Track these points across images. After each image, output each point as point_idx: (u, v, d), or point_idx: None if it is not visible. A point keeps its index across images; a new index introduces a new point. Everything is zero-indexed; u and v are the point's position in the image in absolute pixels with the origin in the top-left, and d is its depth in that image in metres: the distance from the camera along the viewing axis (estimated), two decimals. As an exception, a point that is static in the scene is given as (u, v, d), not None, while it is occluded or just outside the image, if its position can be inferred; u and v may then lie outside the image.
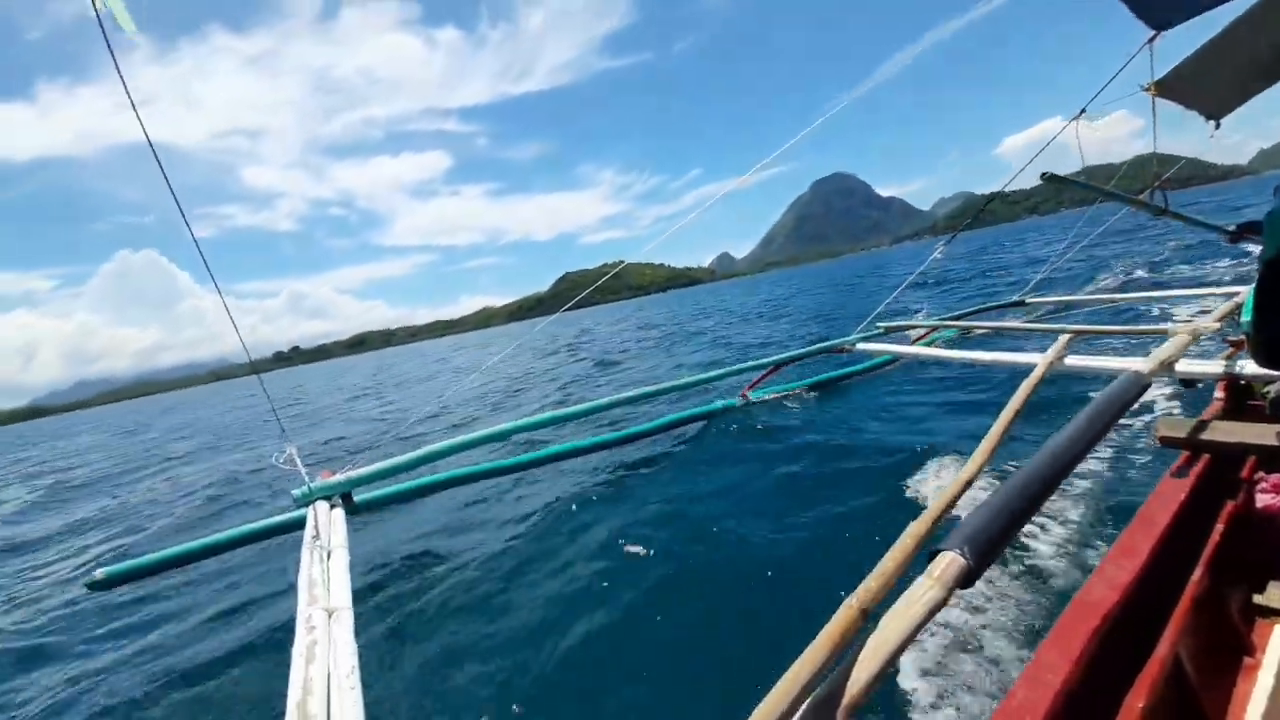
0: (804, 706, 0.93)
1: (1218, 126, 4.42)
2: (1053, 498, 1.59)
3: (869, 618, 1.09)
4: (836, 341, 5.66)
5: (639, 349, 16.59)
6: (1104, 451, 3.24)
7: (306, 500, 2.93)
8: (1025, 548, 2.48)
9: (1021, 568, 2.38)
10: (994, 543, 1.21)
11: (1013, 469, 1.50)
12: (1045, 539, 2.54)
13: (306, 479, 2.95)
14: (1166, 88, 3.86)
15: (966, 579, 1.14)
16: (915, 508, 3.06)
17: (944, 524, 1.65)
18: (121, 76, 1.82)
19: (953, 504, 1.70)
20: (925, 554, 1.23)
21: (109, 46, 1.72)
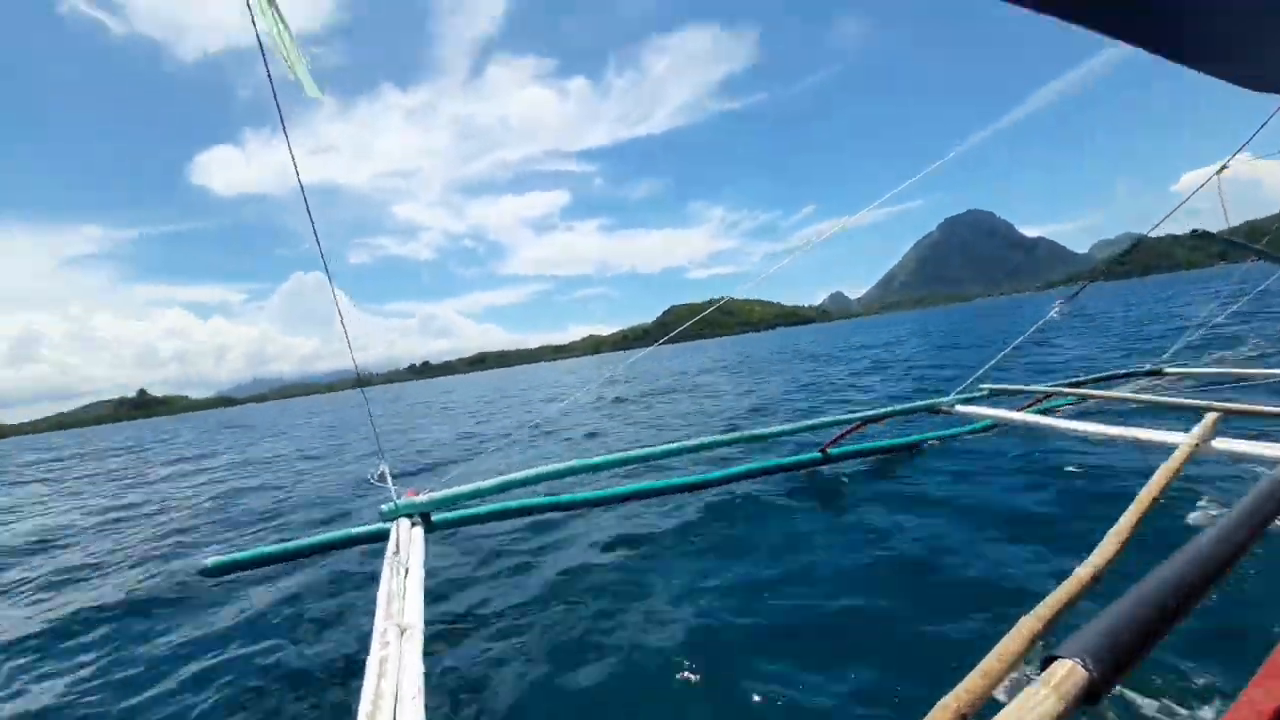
0: None
1: None
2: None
3: None
4: (933, 401, 5.26)
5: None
6: (1258, 549, 2.70)
7: (392, 516, 3.13)
8: (1155, 663, 2.09)
9: (1150, 685, 2.00)
10: (1127, 655, 1.05)
11: (1149, 568, 1.30)
12: (1179, 652, 2.12)
13: (395, 496, 3.16)
14: None
15: (1090, 695, 0.99)
16: (1023, 599, 2.69)
17: (1061, 624, 1.45)
18: (286, 135, 2.16)
19: (1073, 603, 1.50)
20: (1041, 659, 1.09)
21: (279, 112, 2.05)
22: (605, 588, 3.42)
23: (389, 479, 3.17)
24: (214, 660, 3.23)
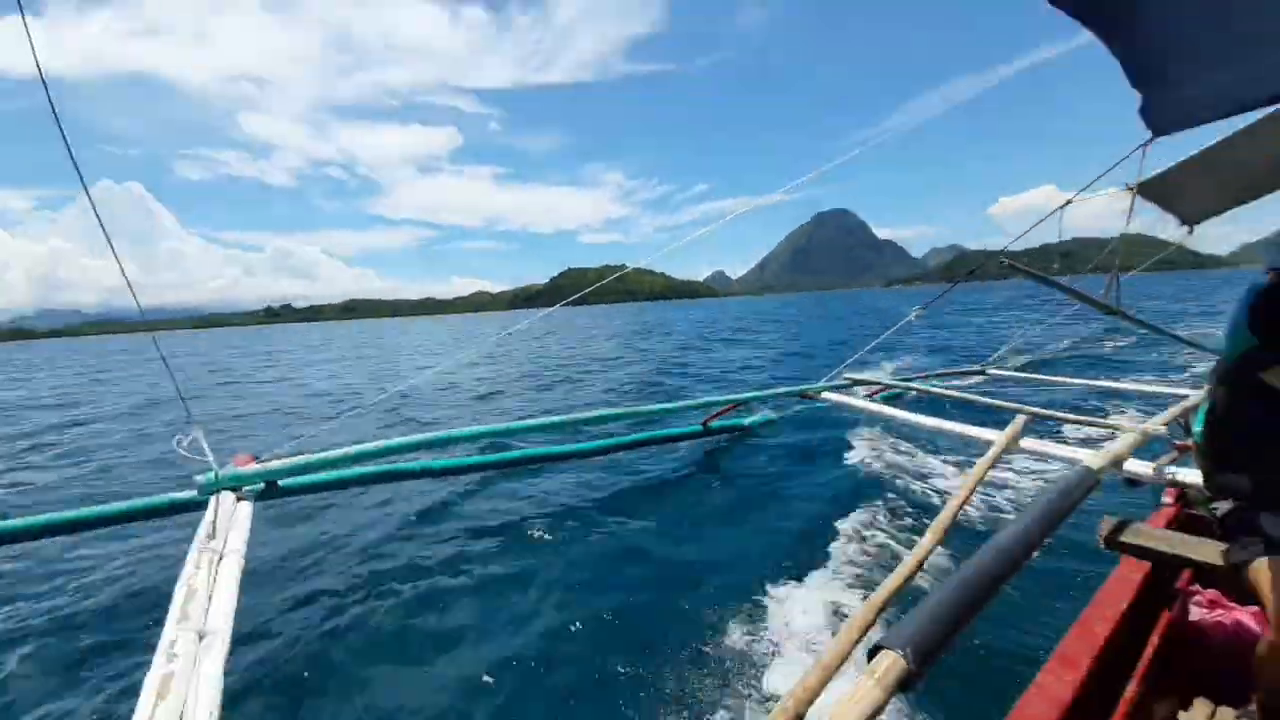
0: None
1: (1190, 232, 4.64)
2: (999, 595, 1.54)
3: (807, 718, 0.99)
4: (802, 387, 5.66)
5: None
6: (1048, 542, 3.23)
7: (211, 489, 2.62)
8: (968, 649, 2.40)
9: (963, 671, 2.29)
10: (937, 644, 1.14)
11: (962, 559, 1.44)
12: (984, 639, 2.46)
13: (214, 464, 2.64)
14: (1149, 190, 4.03)
15: (907, 682, 1.06)
16: (861, 584, 2.95)
17: (887, 615, 1.56)
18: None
19: (898, 591, 1.62)
20: (867, 650, 1.15)
21: None
22: (463, 574, 3.26)
23: (204, 445, 2.62)
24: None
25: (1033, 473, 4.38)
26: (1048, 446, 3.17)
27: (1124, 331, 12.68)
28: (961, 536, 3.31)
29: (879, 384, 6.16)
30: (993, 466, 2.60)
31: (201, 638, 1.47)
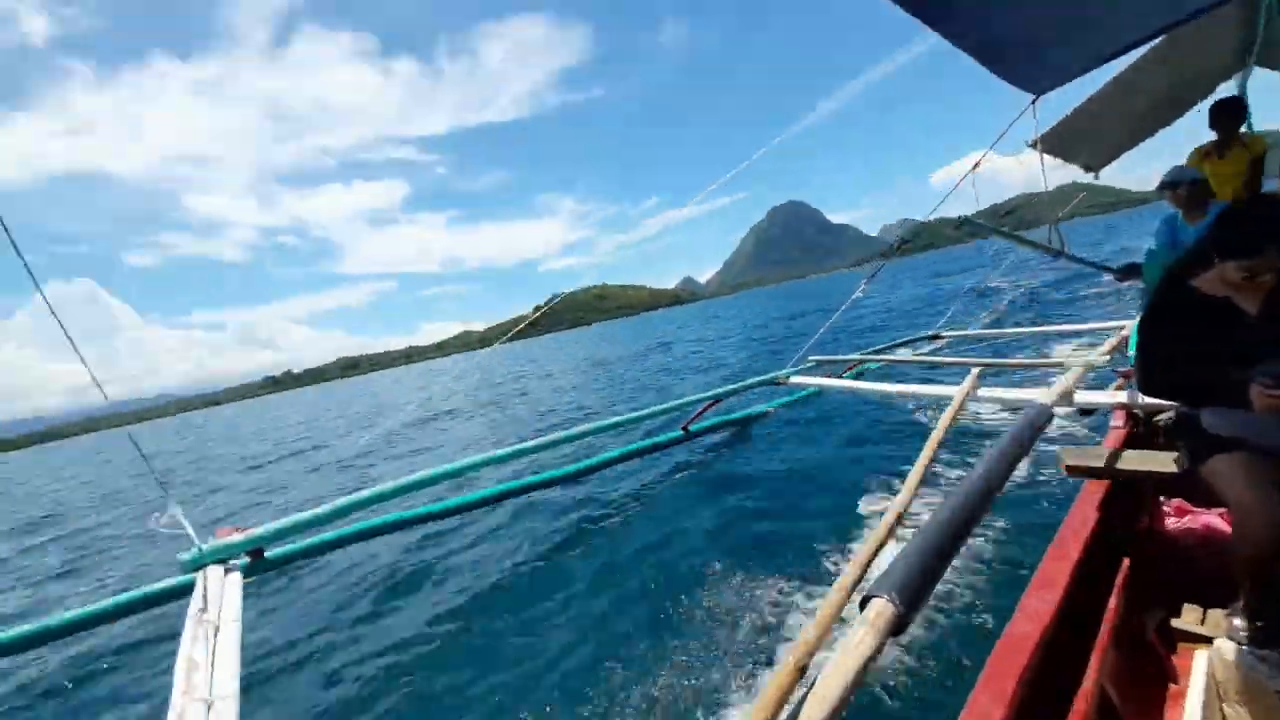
0: None
1: (1096, 177, 5.00)
2: (975, 533, 1.64)
3: (806, 673, 1.04)
4: (771, 375, 5.81)
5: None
6: (1015, 480, 3.44)
7: (196, 565, 2.56)
8: (955, 586, 2.53)
9: (952, 606, 2.42)
10: (922, 586, 1.20)
11: (937, 504, 1.53)
12: (972, 576, 2.61)
13: (195, 540, 2.59)
14: (1047, 143, 4.33)
15: (898, 625, 1.12)
16: (850, 543, 3.10)
17: (877, 566, 1.65)
18: None
19: (883, 544, 1.70)
20: (860, 600, 1.22)
21: None
22: (459, 615, 3.25)
23: (183, 521, 2.56)
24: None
25: (998, 420, 4.62)
26: (1003, 392, 3.37)
27: (1076, 281, 13.23)
28: (937, 485, 3.48)
29: (843, 360, 6.37)
30: (955, 418, 2.76)
31: (209, 707, 1.45)
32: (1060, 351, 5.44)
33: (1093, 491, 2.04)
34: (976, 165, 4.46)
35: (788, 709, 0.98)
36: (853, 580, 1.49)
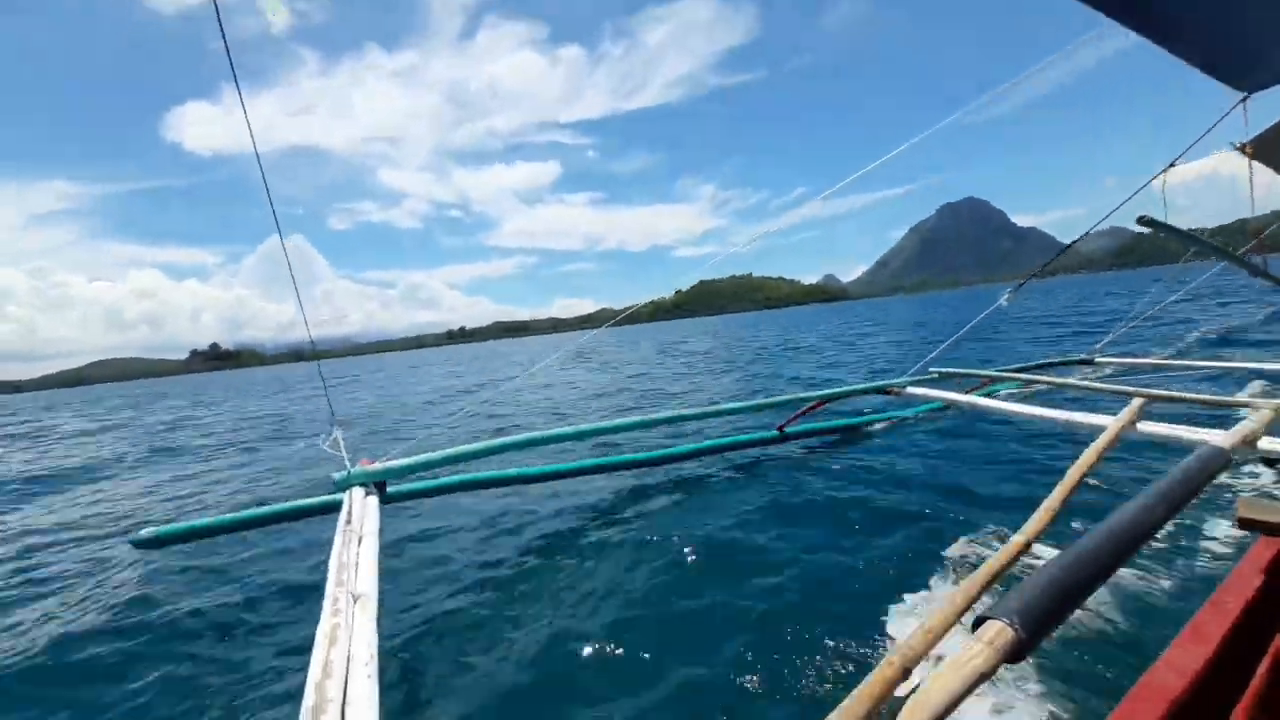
0: None
1: None
2: (1120, 571, 1.47)
3: (910, 676, 1.03)
4: (885, 382, 5.46)
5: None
6: (1178, 524, 2.98)
7: (345, 485, 3.03)
8: (1085, 622, 2.29)
9: (1080, 644, 2.18)
10: (1049, 616, 1.13)
11: (1075, 539, 1.40)
12: (1108, 615, 2.33)
13: (348, 464, 3.05)
14: (1261, 150, 3.59)
15: (1016, 652, 1.07)
16: (963, 568, 2.87)
17: (995, 589, 1.54)
18: (239, 88, 1.97)
19: (1007, 568, 1.59)
20: (973, 619, 1.16)
21: (230, 66, 1.86)
22: (556, 566, 3.43)
23: (342, 446, 3.04)
24: (146, 634, 3.11)
25: (1158, 460, 3.98)
26: (1171, 429, 2.91)
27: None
28: (1074, 519, 3.09)
29: (973, 374, 5.79)
30: (1106, 451, 2.44)
31: (355, 599, 1.72)
32: (1249, 391, 4.54)
33: (1266, 550, 1.79)
34: (1172, 164, 3.81)
35: (887, 706, 0.98)
36: (966, 600, 1.41)
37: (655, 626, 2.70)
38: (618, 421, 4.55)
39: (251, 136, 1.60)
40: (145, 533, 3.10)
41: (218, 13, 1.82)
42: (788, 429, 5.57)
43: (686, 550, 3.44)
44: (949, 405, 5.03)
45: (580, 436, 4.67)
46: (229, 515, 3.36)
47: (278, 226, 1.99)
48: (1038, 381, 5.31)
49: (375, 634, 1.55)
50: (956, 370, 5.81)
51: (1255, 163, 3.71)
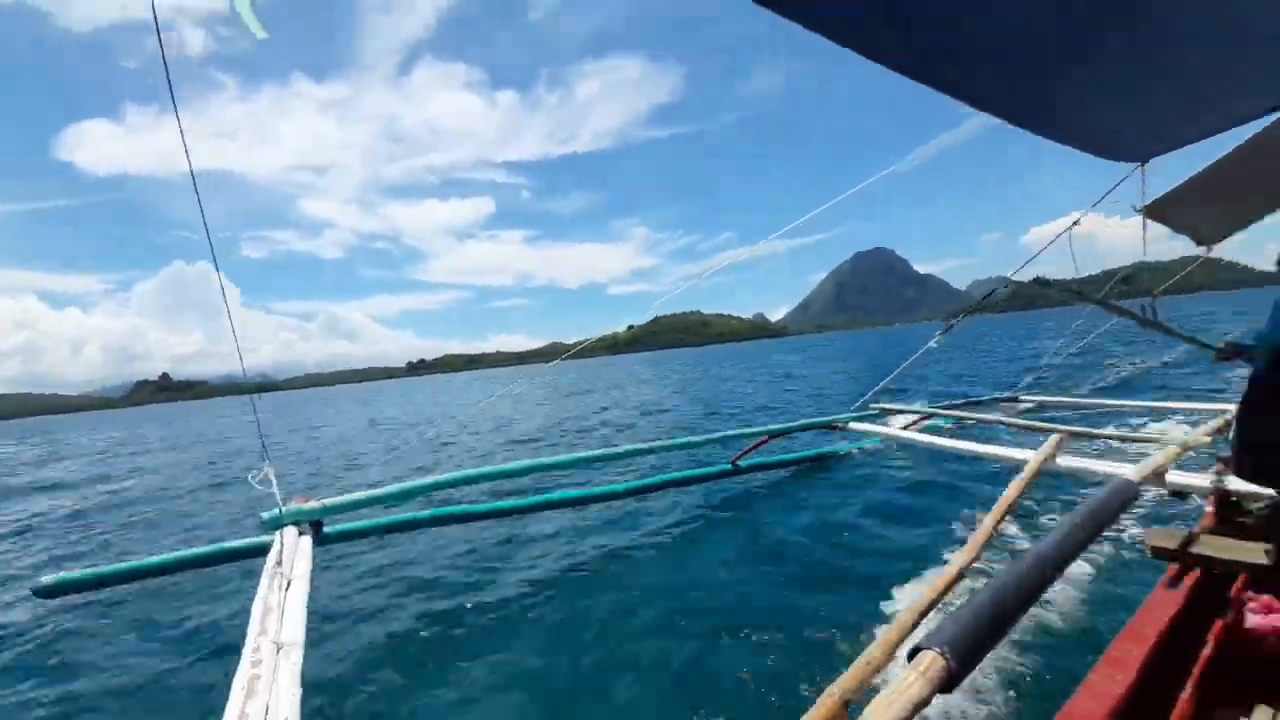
0: None
1: (1209, 251, 4.57)
2: (1041, 601, 1.55)
3: (850, 709, 1.04)
4: (829, 418, 5.65)
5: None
6: (1094, 556, 3.18)
7: (276, 524, 2.82)
8: (1011, 652, 2.38)
9: (1007, 673, 2.27)
10: (978, 646, 1.17)
11: (1001, 568, 1.47)
12: (1032, 644, 2.44)
13: (280, 502, 2.84)
14: (1155, 213, 4.01)
15: (949, 682, 1.10)
16: (905, 597, 2.96)
17: (930, 620, 1.59)
18: (176, 108, 1.89)
19: (942, 596, 1.65)
20: (908, 650, 1.19)
21: (169, 84, 1.80)
22: (500, 615, 3.32)
23: (274, 483, 2.84)
24: (40, 691, 2.75)
25: (1075, 492, 4.27)
26: (1087, 463, 3.13)
27: (1180, 357, 12.00)
28: (1000, 551, 3.26)
29: (910, 411, 6.09)
30: (1029, 484, 2.61)
31: (279, 648, 1.59)
32: (1156, 428, 4.99)
33: (1175, 576, 1.93)
34: (1075, 223, 4.21)
35: None
36: (901, 632, 1.45)
37: (611, 670, 2.63)
38: (566, 457, 4.47)
39: (188, 156, 1.53)
40: (47, 579, 2.76)
41: (158, 30, 1.76)
42: (740, 462, 5.65)
43: (637, 594, 3.40)
44: (889, 440, 5.25)
45: (530, 471, 4.57)
46: (142, 560, 3.05)
47: (212, 253, 1.88)
48: (968, 418, 5.65)
49: (299, 687, 1.44)
50: (895, 406, 6.10)
51: (1149, 220, 4.14)
